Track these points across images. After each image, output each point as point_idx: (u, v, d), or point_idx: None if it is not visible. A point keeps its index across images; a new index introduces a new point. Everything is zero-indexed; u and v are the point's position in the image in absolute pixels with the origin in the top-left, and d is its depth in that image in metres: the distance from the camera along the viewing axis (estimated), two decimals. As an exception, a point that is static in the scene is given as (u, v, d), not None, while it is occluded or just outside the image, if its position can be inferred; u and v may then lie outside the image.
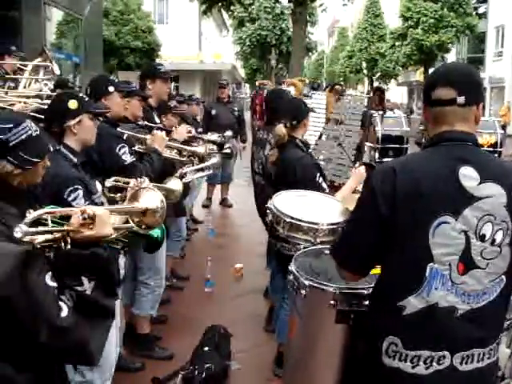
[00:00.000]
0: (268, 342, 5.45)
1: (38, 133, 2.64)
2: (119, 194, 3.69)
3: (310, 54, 50.70)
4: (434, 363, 2.34)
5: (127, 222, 2.72)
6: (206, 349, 4.98)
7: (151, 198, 2.81)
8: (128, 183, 3.66)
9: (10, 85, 6.27)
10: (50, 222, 2.09)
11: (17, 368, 1.93)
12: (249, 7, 41.33)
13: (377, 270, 2.58)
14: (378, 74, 54.02)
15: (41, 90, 5.82)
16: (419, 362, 2.34)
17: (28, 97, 5.22)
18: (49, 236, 2.01)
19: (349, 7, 47.14)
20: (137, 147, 4.61)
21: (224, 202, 12.04)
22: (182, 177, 5.92)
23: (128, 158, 4.22)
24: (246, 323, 6.05)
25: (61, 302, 1.93)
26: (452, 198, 2.29)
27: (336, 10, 71.95)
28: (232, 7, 21.69)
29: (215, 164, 8.46)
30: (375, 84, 50.80)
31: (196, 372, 4.69)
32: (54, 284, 1.92)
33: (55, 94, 4.53)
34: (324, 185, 4.49)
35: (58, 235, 2.03)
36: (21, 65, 7.87)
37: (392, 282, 2.41)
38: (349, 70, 57.39)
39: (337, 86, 10.53)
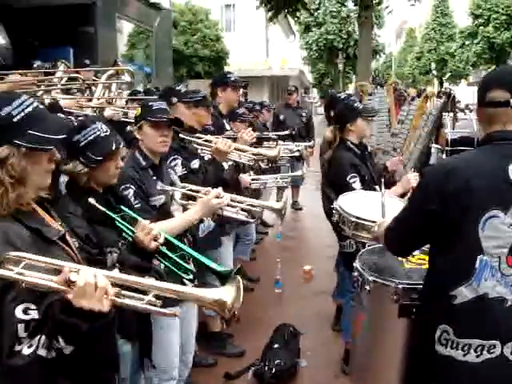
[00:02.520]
0: (336, 341, 5.56)
1: (106, 134, 2.89)
2: (190, 202, 3.85)
3: (378, 56, 50.26)
4: (485, 352, 2.44)
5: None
6: (276, 346, 5.16)
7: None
8: (198, 191, 3.85)
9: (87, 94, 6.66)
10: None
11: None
12: (314, 12, 41.31)
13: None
14: (448, 75, 53.11)
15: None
16: (470, 350, 2.45)
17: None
18: (38, 280, 1.84)
19: (417, 7, 46.38)
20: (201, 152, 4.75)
21: (295, 205, 12.25)
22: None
23: (178, 171, 4.32)
24: (314, 323, 6.19)
25: (30, 340, 1.86)
26: (501, 194, 2.41)
27: (404, 11, 71.01)
28: (298, 13, 21.74)
29: (299, 176, 8.70)
30: (445, 85, 49.97)
31: (266, 368, 4.88)
32: (24, 317, 1.84)
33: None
34: (355, 185, 4.67)
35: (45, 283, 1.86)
36: (95, 76, 8.32)
37: (444, 273, 2.54)
38: (418, 72, 56.63)
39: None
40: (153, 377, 3.77)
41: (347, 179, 4.71)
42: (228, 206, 3.84)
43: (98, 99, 5.52)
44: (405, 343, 3.04)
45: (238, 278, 2.11)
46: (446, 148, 11.26)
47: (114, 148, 2.91)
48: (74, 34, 11.80)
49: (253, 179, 5.87)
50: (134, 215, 3.02)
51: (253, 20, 34.40)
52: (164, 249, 2.82)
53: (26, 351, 1.84)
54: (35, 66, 8.40)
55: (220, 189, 3.75)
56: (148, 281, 2.02)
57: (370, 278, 3.23)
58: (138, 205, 3.44)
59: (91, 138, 2.86)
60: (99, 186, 3.01)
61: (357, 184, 4.68)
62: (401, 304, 3.06)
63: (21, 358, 1.84)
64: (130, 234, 2.88)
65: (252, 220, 4.22)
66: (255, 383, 4.92)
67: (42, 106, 2.11)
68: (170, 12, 18.98)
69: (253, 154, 4.86)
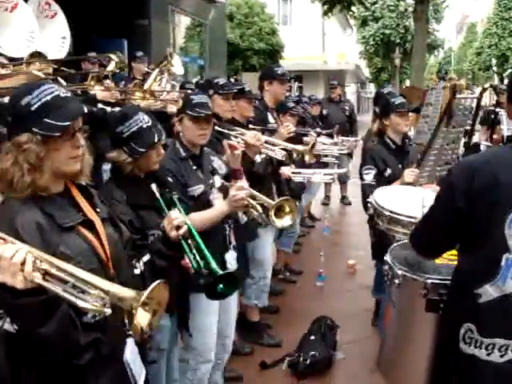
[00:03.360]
0: (374, 336, 5.55)
1: (149, 125, 3.05)
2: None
3: (436, 51, 49.50)
4: (509, 352, 2.42)
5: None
6: (313, 338, 5.21)
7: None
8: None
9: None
10: None
11: None
12: (372, 6, 40.94)
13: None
14: (509, 71, 51.77)
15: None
16: (494, 350, 2.43)
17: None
18: None
19: (479, 1, 45.40)
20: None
21: (344, 200, 12.29)
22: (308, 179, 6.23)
23: None
24: (354, 317, 6.20)
25: (3, 316, 1.94)
26: None
27: (465, 5, 69.75)
28: (353, 7, 21.64)
29: (343, 173, 8.68)
30: (505, 82, 48.81)
31: (301, 358, 4.95)
32: None
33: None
34: (366, 177, 4.88)
35: None
36: (148, 68, 8.54)
37: (469, 271, 2.53)
38: (477, 68, 55.42)
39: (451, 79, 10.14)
40: (190, 359, 3.90)
41: (361, 170, 4.94)
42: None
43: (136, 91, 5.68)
44: (431, 338, 3.05)
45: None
46: (501, 145, 10.96)
47: (156, 140, 3.07)
48: (129, 26, 12.06)
49: (293, 172, 5.90)
50: (178, 204, 3.12)
51: (309, 13, 34.27)
52: (183, 241, 2.84)
53: None
54: (90, 57, 8.64)
55: (245, 183, 3.81)
56: (68, 267, 1.91)
57: (400, 272, 3.25)
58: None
59: (134, 129, 3.03)
60: (141, 173, 3.18)
61: (368, 176, 4.84)
62: (429, 299, 3.07)
63: None
64: None
65: (263, 223, 4.19)
66: (290, 373, 4.99)
67: (64, 95, 2.17)
68: (224, 5, 19.11)
69: (282, 149, 4.82)
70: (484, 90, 5.25)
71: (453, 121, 4.86)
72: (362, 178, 4.95)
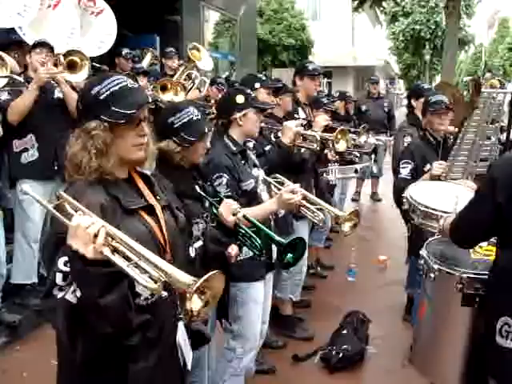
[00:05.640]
0: (405, 331, 5.57)
1: (198, 117, 3.19)
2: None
3: (467, 47, 48.95)
4: None
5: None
6: (345, 332, 5.24)
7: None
8: (282, 183, 4.04)
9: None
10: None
11: None
12: (402, 1, 40.61)
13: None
14: (541, 67, 51.05)
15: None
16: None
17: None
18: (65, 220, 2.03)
19: (511, -4, 44.62)
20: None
21: (374, 196, 12.24)
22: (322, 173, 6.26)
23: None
24: (385, 312, 6.22)
25: (66, 287, 2.02)
26: None
27: (496, 0, 68.69)
28: (383, 3, 21.51)
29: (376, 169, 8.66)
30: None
31: (334, 352, 4.99)
32: (64, 268, 2.01)
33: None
34: (402, 170, 4.97)
35: None
36: (178, 64, 8.79)
37: (508, 266, 2.54)
38: (508, 64, 54.64)
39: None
40: (238, 347, 4.00)
41: (399, 164, 5.02)
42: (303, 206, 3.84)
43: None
44: (466, 332, 3.07)
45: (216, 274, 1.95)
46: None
47: (206, 130, 3.24)
48: (161, 22, 12.16)
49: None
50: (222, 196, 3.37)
51: (339, 9, 34.18)
52: (241, 224, 3.05)
53: (59, 295, 2.04)
54: (123, 53, 8.78)
55: (297, 185, 3.83)
56: (138, 246, 1.97)
57: (435, 267, 3.27)
58: (229, 193, 3.64)
59: (185, 120, 3.16)
60: (186, 164, 3.28)
61: (405, 170, 4.93)
62: (464, 293, 3.09)
63: (53, 300, 2.05)
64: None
65: (322, 225, 4.34)
66: (322, 366, 5.03)
67: (131, 85, 2.29)
68: (254, 1, 19.13)
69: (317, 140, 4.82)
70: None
71: (483, 115, 4.76)
72: (397, 172, 5.00)
